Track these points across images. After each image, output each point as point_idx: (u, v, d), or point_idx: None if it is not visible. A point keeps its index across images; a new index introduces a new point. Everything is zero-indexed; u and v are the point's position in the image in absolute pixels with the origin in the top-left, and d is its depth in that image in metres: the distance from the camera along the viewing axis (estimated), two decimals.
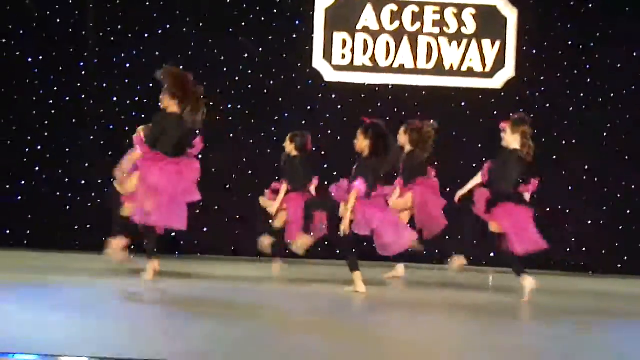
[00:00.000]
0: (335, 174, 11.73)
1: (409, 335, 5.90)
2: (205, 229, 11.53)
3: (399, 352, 5.12)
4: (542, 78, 12.00)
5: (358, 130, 8.56)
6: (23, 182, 11.76)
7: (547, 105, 11.97)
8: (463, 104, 12.01)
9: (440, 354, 5.19)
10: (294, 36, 12.00)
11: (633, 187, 11.95)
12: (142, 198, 7.79)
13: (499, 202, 8.34)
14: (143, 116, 11.27)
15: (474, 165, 11.80)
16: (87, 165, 11.75)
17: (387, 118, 11.69)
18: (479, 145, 11.86)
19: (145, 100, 11.66)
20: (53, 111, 11.80)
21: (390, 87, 11.99)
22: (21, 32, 11.90)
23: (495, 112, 11.93)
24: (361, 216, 8.09)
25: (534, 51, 12.00)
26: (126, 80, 11.83)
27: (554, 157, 11.89)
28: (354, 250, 8.29)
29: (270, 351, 4.93)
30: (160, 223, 8.02)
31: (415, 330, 6.26)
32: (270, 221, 9.73)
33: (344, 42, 11.91)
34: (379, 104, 11.91)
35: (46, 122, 11.78)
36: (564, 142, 11.92)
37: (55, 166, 11.74)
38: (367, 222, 8.06)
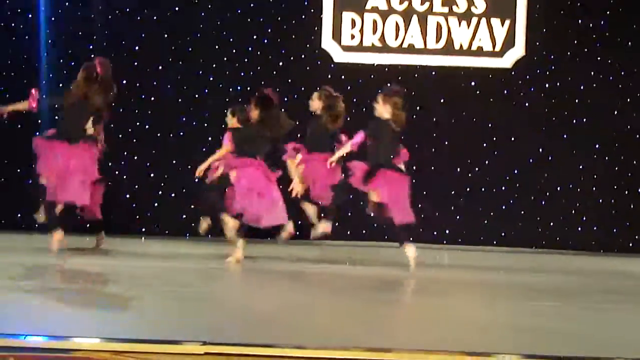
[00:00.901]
0: (345, 154, 11.77)
1: None
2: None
3: None
4: (552, 57, 11.92)
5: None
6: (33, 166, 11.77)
7: (558, 84, 11.90)
8: (473, 83, 11.94)
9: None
10: (303, 17, 11.93)
11: None
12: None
13: (377, 171, 8.47)
14: (152, 99, 11.34)
15: (485, 144, 11.84)
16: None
17: None
18: (489, 125, 11.84)
19: (154, 83, 11.68)
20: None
21: (399, 67, 11.91)
22: (30, 16, 11.89)
23: (505, 92, 11.93)
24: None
25: (544, 30, 11.91)
26: (135, 63, 11.82)
27: (565, 135, 11.85)
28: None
29: None
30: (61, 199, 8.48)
31: None
32: None
33: (353, 22, 11.85)
34: (389, 85, 11.86)
35: None
36: (574, 121, 11.86)
37: None
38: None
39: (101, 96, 8.52)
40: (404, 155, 8.98)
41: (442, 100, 11.86)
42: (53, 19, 11.77)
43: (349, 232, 11.77)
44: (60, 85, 10.62)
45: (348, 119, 11.70)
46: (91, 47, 11.64)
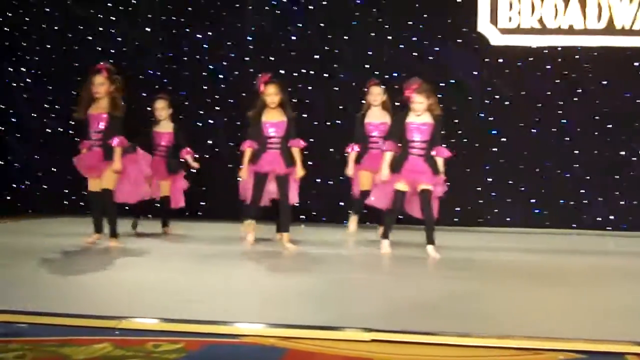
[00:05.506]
0: (504, 139, 11.62)
1: None
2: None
3: None
4: None
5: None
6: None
7: None
8: (636, 64, 11.54)
9: None
10: (459, 0, 11.79)
11: None
12: None
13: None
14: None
15: None
16: None
17: (557, 81, 11.50)
18: None
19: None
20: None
21: (559, 49, 11.61)
22: None
23: None
24: None
25: None
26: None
27: None
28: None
29: None
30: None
31: None
32: None
33: (510, 5, 11.61)
34: (548, 67, 11.61)
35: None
36: None
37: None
38: None
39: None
40: None
41: (604, 82, 11.52)
42: None
43: (508, 219, 11.61)
44: None
45: (507, 103, 11.58)
46: None
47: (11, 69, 12.35)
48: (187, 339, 4.32)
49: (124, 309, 5.02)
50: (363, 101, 9.67)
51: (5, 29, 12.33)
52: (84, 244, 8.42)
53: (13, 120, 12.40)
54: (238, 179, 9.01)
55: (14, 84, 12.37)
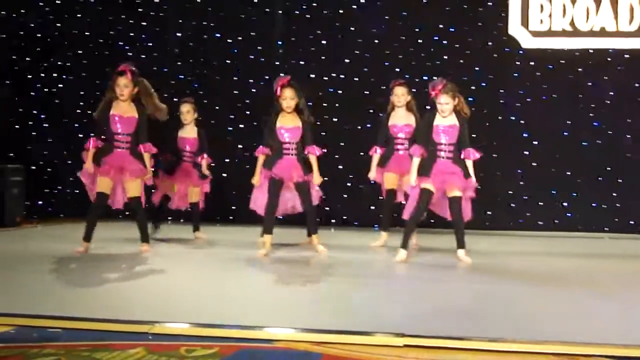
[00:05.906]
0: (535, 142, 11.55)
1: None
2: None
3: None
4: None
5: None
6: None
7: None
8: None
9: None
10: (490, 3, 11.75)
11: None
12: None
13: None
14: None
15: None
16: None
17: (590, 84, 11.42)
18: None
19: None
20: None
21: (591, 51, 11.54)
22: None
23: None
24: None
25: None
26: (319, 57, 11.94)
27: None
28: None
29: None
30: None
31: None
32: None
33: (542, 7, 11.56)
34: (580, 70, 11.54)
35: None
36: None
37: None
38: None
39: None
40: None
41: (636, 85, 11.44)
42: None
43: (540, 223, 11.54)
44: None
45: (538, 106, 11.51)
46: None
47: (43, 75, 12.48)
48: (220, 344, 4.33)
49: (156, 313, 5.04)
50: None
51: (38, 35, 12.46)
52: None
53: (45, 125, 12.52)
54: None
55: (46, 89, 12.50)
